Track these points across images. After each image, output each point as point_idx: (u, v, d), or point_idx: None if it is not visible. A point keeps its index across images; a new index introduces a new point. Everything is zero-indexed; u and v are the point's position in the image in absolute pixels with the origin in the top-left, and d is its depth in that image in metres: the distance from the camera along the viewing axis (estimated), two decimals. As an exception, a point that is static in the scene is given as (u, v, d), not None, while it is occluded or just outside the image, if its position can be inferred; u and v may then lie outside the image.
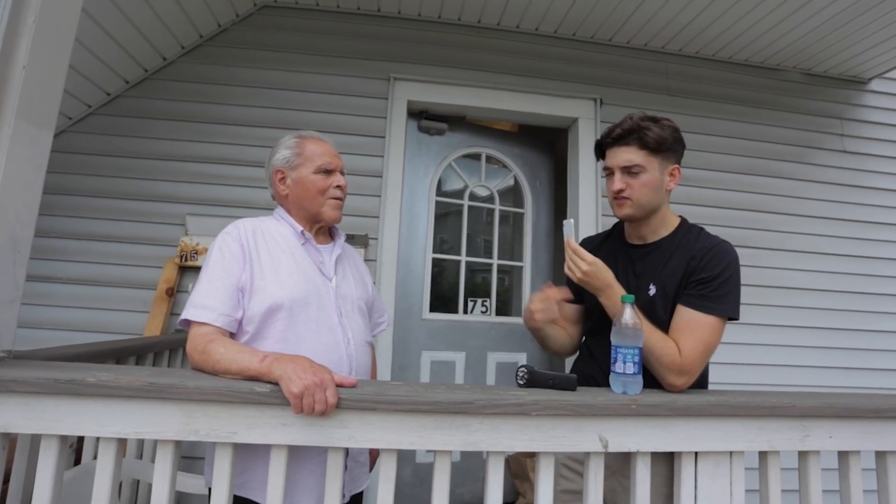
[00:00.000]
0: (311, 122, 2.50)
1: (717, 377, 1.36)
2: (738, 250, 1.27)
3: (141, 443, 1.76)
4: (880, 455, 1.19)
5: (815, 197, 2.83)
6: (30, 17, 1.05)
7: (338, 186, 1.31)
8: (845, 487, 1.17)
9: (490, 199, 2.97)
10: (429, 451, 2.57)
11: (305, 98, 2.56)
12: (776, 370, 2.62)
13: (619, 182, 1.24)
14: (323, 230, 1.37)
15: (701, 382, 1.24)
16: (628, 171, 1.22)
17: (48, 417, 0.95)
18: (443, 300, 2.83)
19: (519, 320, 2.91)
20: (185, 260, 2.26)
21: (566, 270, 1.20)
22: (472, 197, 2.92)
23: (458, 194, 2.91)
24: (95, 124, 2.41)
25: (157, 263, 2.29)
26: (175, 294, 2.25)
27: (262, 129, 2.49)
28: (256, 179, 2.42)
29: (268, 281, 1.19)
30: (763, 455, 1.14)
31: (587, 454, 1.06)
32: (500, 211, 2.96)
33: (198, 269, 2.30)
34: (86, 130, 2.39)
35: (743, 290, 1.21)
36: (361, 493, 1.33)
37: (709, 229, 1.29)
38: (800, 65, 2.91)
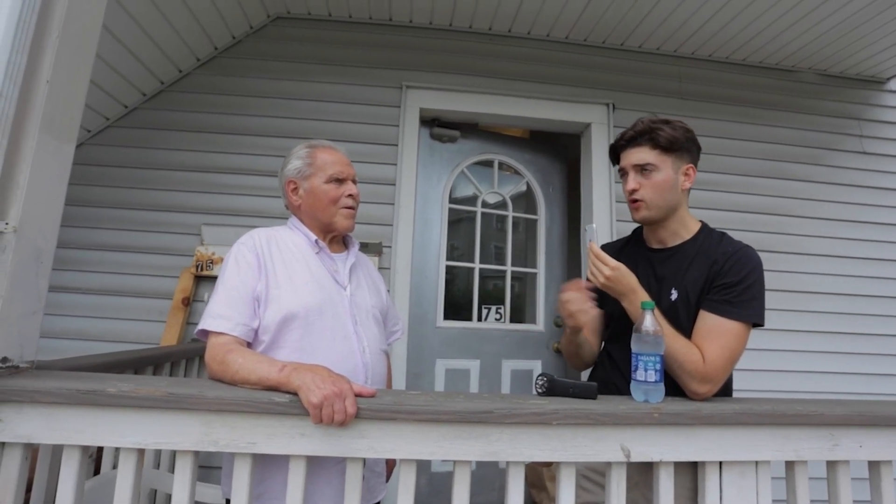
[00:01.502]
0: (324, 132, 2.52)
1: (742, 384, 1.34)
2: None
3: (158, 452, 1.77)
4: (913, 464, 1.15)
5: (833, 199, 2.77)
6: (53, 32, 1.07)
7: (350, 195, 1.31)
8: (877, 498, 1.14)
9: (503, 205, 2.96)
10: (445, 462, 2.55)
11: (319, 107, 2.58)
12: (798, 376, 2.56)
13: (632, 182, 1.24)
14: (337, 239, 1.37)
15: (725, 390, 1.21)
16: (641, 170, 1.23)
17: (70, 428, 0.95)
18: (456, 308, 2.82)
19: (534, 327, 2.89)
20: (201, 269, 2.28)
21: (588, 275, 1.19)
22: (485, 204, 2.91)
23: (471, 201, 2.90)
24: (113, 136, 2.45)
25: (174, 273, 2.32)
26: (191, 303, 2.27)
27: (276, 139, 2.51)
28: (271, 189, 2.44)
29: (283, 290, 1.19)
30: (790, 465, 1.11)
31: (609, 464, 1.04)
32: (513, 217, 2.95)
33: (214, 278, 2.32)
34: (104, 143, 2.44)
35: (766, 293, 1.19)
36: (379, 503, 1.32)
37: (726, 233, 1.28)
38: (815, 66, 2.87)
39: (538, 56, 2.74)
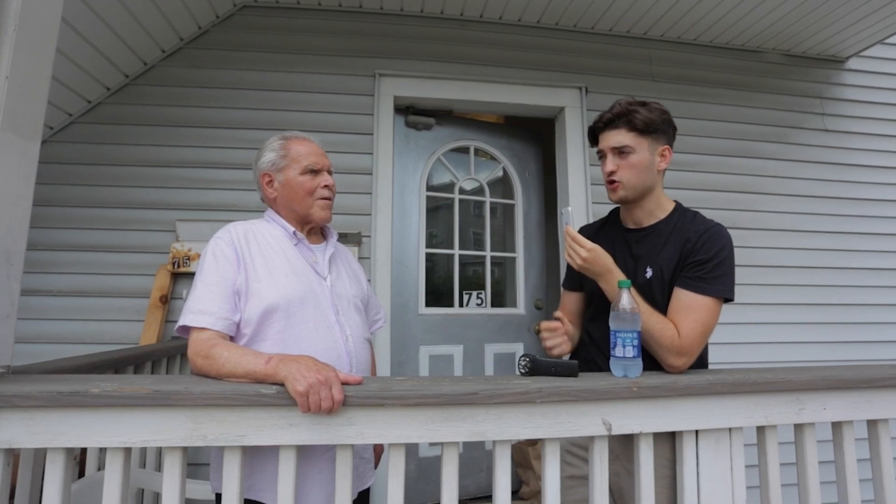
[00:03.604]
0: (297, 122, 2.49)
1: (716, 357, 1.39)
2: None
3: (144, 452, 1.75)
4: (872, 423, 1.22)
5: (797, 176, 2.87)
6: (10, 25, 1.03)
7: (325, 186, 1.31)
8: (839, 457, 1.21)
9: (480, 191, 2.98)
10: (433, 445, 2.58)
11: (291, 98, 2.54)
12: (768, 347, 2.67)
13: (610, 164, 1.27)
14: (315, 230, 1.37)
15: (701, 363, 1.26)
16: (619, 151, 1.26)
17: (53, 431, 0.94)
18: (438, 295, 2.84)
19: (515, 311, 2.93)
20: (178, 266, 2.24)
21: (566, 257, 1.22)
22: (463, 190, 2.93)
23: (449, 188, 2.91)
24: (77, 133, 2.37)
25: (150, 271, 2.27)
26: (169, 301, 2.23)
27: (247, 131, 2.46)
28: (245, 182, 2.40)
29: (262, 283, 1.19)
30: (761, 430, 1.17)
31: (591, 438, 1.08)
32: (491, 203, 2.97)
33: (191, 274, 2.28)
34: (68, 140, 2.35)
35: (736, 269, 1.24)
36: (368, 489, 1.34)
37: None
38: (780, 46, 2.95)
39: (510, 41, 2.74)
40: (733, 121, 2.87)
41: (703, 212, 1.33)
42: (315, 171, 1.29)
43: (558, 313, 1.24)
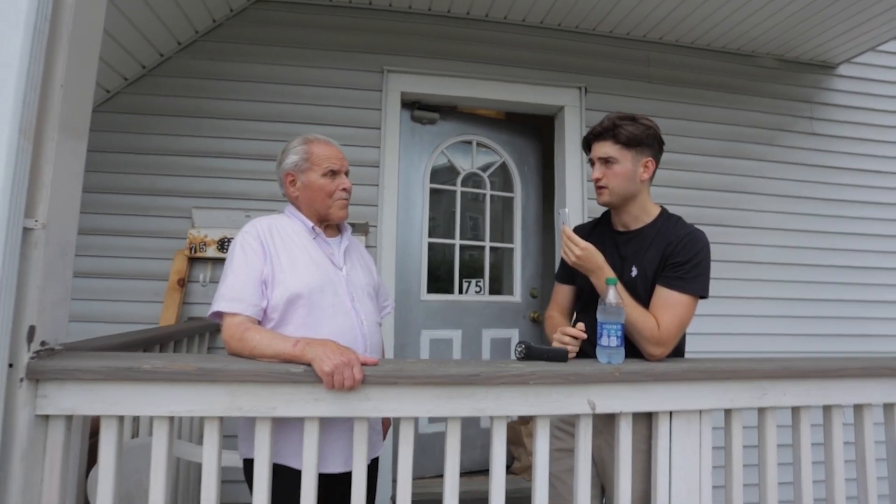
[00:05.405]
0: (308, 116, 2.59)
1: (695, 346, 1.53)
2: (711, 228, 1.44)
3: (179, 424, 1.89)
4: (826, 409, 1.38)
5: (782, 177, 3.00)
6: (63, 37, 1.13)
7: (343, 189, 1.44)
8: (796, 438, 1.37)
9: (481, 184, 3.10)
10: (432, 422, 2.74)
11: (301, 91, 2.63)
12: (747, 339, 2.82)
13: (597, 172, 1.42)
14: (331, 225, 1.50)
15: (678, 352, 1.41)
16: (605, 161, 1.40)
17: (108, 400, 1.08)
18: (439, 282, 2.99)
19: (511, 298, 3.08)
20: (195, 252, 2.37)
21: (562, 254, 1.36)
22: (464, 183, 3.05)
23: (451, 180, 3.03)
24: (97, 122, 2.42)
25: (168, 255, 2.39)
26: (186, 284, 2.36)
27: (261, 123, 2.56)
28: (257, 172, 2.51)
29: (287, 274, 1.32)
30: (728, 413, 1.33)
31: (578, 416, 1.23)
32: (491, 195, 3.10)
33: (207, 259, 2.42)
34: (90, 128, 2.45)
35: (716, 265, 1.38)
36: (377, 459, 1.49)
37: (686, 210, 1.46)
38: (773, 51, 3.05)
39: (514, 40, 2.84)
40: (725, 122, 2.98)
41: (692, 209, 1.47)
42: (335, 173, 1.42)
43: (581, 325, 1.31)
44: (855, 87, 3.18)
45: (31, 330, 1.02)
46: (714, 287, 1.37)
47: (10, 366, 0.98)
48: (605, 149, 1.39)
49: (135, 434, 1.68)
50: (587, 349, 1.42)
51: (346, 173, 1.47)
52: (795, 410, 1.36)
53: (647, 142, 1.39)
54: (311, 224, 1.43)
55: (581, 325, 1.32)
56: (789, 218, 2.98)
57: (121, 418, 1.11)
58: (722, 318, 2.79)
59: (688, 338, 1.47)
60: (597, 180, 1.41)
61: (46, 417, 1.06)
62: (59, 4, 1.11)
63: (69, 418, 1.09)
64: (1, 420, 0.96)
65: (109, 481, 1.07)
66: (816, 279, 2.97)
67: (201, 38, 2.59)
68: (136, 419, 1.69)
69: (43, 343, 1.07)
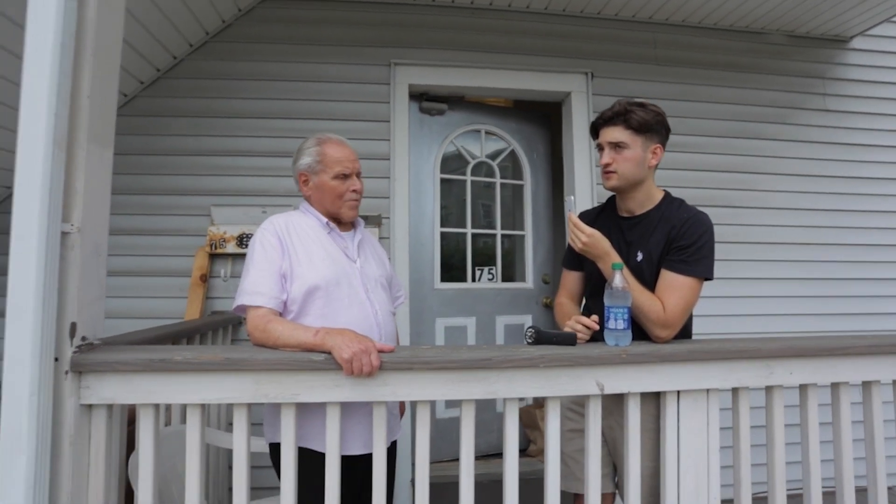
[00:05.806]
0: (318, 111, 2.64)
1: (707, 328, 1.55)
2: (723, 210, 1.46)
3: (207, 413, 1.99)
4: (834, 386, 1.41)
5: (795, 156, 2.96)
6: (88, 50, 1.19)
7: (353, 190, 1.49)
8: (804, 416, 1.40)
9: (491, 172, 3.13)
10: (449, 408, 2.81)
11: (310, 87, 2.68)
12: (761, 319, 2.80)
13: (607, 157, 1.44)
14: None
15: (685, 333, 1.45)
16: (615, 146, 1.42)
17: (145, 390, 1.16)
18: (452, 270, 3.04)
19: (524, 285, 3.13)
20: (215, 248, 2.46)
21: (570, 241, 1.40)
22: (474, 172, 3.08)
23: (461, 170, 3.07)
24: (116, 126, 2.53)
25: (189, 252, 2.48)
26: (208, 280, 2.45)
27: (273, 120, 2.62)
28: (272, 169, 2.58)
29: (304, 268, 1.39)
30: (735, 392, 1.36)
31: (587, 397, 1.28)
32: (501, 183, 3.13)
33: (227, 255, 2.50)
34: (108, 131, 2.54)
35: (729, 246, 1.41)
36: (395, 442, 1.56)
37: (696, 192, 1.48)
38: (783, 27, 3.00)
39: (519, 28, 2.84)
40: (735, 102, 2.95)
41: (702, 191, 1.49)
42: (346, 176, 1.47)
43: (595, 318, 1.34)
44: (869, 60, 3.11)
45: (73, 326, 1.10)
46: (727, 268, 1.40)
47: (56, 360, 1.07)
48: (615, 133, 1.41)
49: (166, 423, 1.78)
50: (596, 334, 1.46)
51: (358, 174, 1.52)
52: (803, 388, 1.39)
53: (657, 128, 1.41)
54: (325, 220, 1.49)
55: (595, 317, 1.34)
56: (803, 197, 2.95)
57: (156, 406, 1.19)
58: (735, 300, 2.78)
59: (699, 320, 1.51)
60: (606, 165, 1.43)
61: (90, 407, 1.15)
62: (83, 18, 1.17)
63: (110, 407, 1.18)
64: (51, 409, 1.04)
65: (149, 465, 1.16)
66: (832, 258, 2.94)
67: (212, 38, 2.65)
68: (167, 409, 1.78)
69: (83, 338, 1.15)
